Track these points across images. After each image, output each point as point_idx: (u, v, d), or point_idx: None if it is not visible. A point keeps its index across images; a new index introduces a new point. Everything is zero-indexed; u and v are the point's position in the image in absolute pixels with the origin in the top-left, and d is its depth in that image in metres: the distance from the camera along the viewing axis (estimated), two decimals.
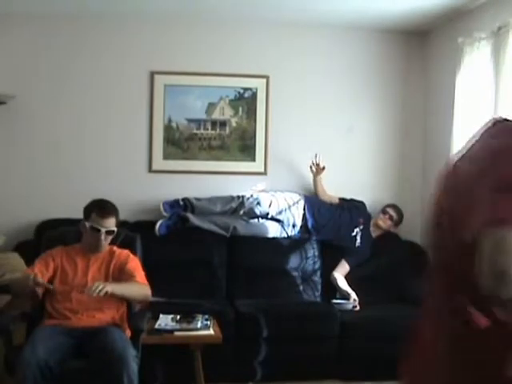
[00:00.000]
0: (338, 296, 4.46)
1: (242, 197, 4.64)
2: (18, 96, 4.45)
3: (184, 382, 3.76)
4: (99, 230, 3.08)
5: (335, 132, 4.96)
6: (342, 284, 4.48)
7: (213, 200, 4.63)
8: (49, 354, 2.72)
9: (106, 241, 3.14)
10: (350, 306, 4.27)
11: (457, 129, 4.18)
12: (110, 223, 3.12)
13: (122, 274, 3.14)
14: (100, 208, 3.12)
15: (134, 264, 3.20)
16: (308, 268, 4.55)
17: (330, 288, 4.53)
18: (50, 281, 3.07)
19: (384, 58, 5.01)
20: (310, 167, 4.69)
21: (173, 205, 4.54)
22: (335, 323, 4.07)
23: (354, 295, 4.35)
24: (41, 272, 3.02)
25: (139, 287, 3.11)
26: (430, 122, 4.95)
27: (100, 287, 2.81)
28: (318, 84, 4.94)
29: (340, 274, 4.54)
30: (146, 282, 3.17)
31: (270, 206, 4.61)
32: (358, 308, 4.28)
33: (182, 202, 4.55)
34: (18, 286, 3.05)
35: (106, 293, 2.83)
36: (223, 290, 4.43)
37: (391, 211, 4.75)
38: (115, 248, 3.26)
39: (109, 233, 3.12)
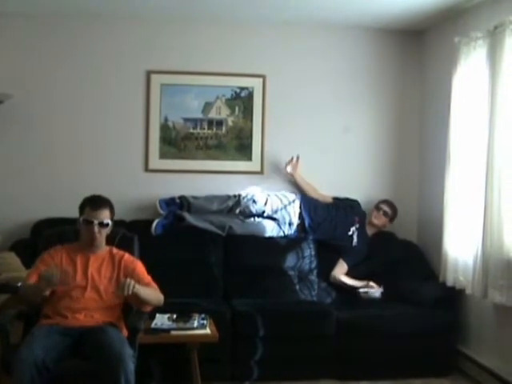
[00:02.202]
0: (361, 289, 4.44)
1: (239, 195, 4.65)
2: (15, 95, 4.44)
3: (181, 382, 3.76)
4: (92, 222, 3.09)
5: (332, 131, 4.97)
6: (351, 281, 4.49)
7: (209, 198, 4.63)
8: (46, 353, 2.71)
9: (100, 234, 3.13)
10: (377, 294, 4.32)
11: (453, 128, 4.18)
12: (103, 215, 3.12)
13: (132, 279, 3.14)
14: (92, 201, 3.15)
15: (141, 268, 3.23)
16: (304, 267, 4.55)
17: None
18: None
19: (380, 58, 5.01)
20: (286, 167, 4.73)
21: (169, 202, 4.54)
22: (332, 322, 4.07)
23: (371, 283, 4.39)
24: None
25: (156, 294, 3.14)
26: (427, 120, 4.96)
27: (131, 285, 2.85)
28: (314, 83, 4.95)
29: (340, 274, 4.55)
30: (156, 285, 3.20)
31: (265, 204, 4.61)
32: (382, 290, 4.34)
33: (178, 200, 4.55)
34: (31, 291, 2.98)
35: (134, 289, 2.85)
36: (220, 290, 4.42)
37: (385, 207, 4.75)
38: (114, 249, 3.25)
39: (102, 225, 3.12)
